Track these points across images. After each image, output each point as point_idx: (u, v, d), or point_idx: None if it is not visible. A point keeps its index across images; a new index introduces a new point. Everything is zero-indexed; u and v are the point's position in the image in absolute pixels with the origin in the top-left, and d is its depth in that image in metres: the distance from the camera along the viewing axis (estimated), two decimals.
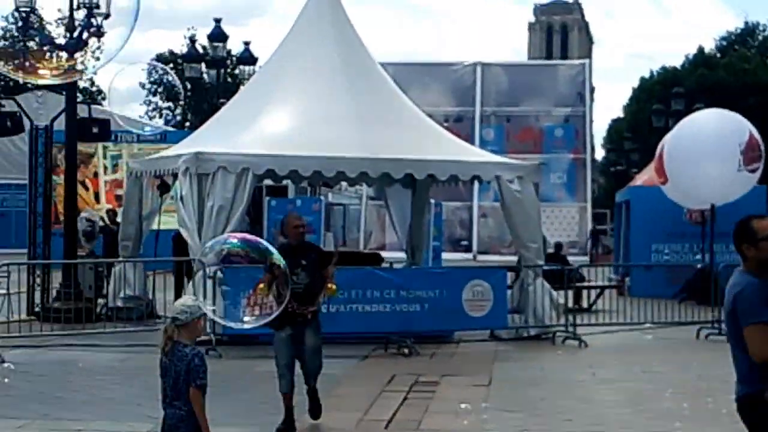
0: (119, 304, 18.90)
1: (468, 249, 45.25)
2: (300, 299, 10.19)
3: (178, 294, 16.41)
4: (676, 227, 26.26)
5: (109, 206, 30.60)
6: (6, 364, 14.44)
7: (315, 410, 10.72)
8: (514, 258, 20.90)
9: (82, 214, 22.82)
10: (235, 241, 7.43)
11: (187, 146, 18.42)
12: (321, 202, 38.16)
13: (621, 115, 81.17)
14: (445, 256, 34.59)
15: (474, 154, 19.43)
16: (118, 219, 23.53)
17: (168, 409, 6.81)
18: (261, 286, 9.30)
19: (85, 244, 22.44)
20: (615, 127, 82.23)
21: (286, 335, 10.38)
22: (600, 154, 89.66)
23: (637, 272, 25.31)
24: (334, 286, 10.73)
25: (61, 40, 17.43)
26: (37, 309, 19.64)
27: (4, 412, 11.25)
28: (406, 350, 15.93)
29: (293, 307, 9.94)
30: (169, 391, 6.80)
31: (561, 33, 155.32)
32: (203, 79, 42.74)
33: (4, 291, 16.69)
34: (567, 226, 45.02)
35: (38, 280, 20.12)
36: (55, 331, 17.25)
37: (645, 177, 29.07)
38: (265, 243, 7.50)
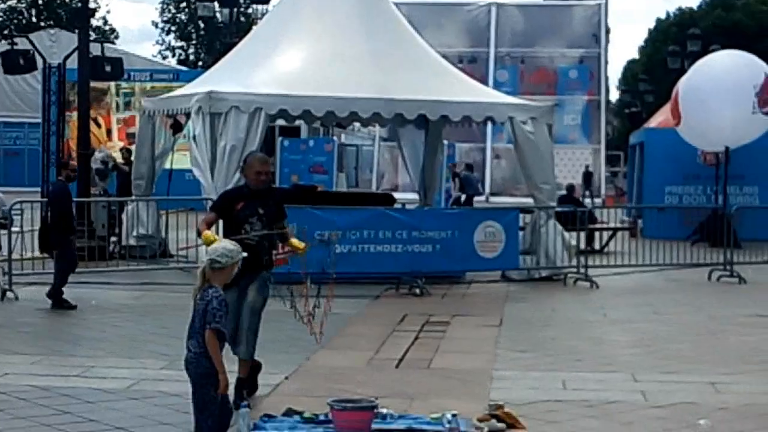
0: (132, 242, 18.97)
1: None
2: (251, 254, 8.38)
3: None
4: (690, 169, 26.17)
5: (121, 144, 30.67)
6: (93, 302, 14.67)
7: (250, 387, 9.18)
8: (527, 200, 20.90)
9: (97, 154, 22.86)
10: None
11: (199, 85, 18.37)
12: (334, 142, 38.12)
13: (636, 56, 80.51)
14: None
15: (487, 95, 19.34)
16: (133, 158, 23.58)
17: (186, 350, 6.73)
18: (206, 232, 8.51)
19: (99, 182, 22.50)
20: (630, 68, 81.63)
21: (233, 298, 8.58)
22: (614, 95, 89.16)
23: (650, 214, 25.26)
24: (301, 244, 9.15)
25: None
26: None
27: (18, 348, 11.34)
28: (417, 290, 15.98)
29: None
30: (191, 334, 6.68)
31: None
32: (216, 18, 42.56)
33: (17, 229, 16.75)
34: (580, 168, 44.89)
35: None
36: None
37: (660, 119, 28.93)
38: None
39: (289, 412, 8.50)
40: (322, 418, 8.23)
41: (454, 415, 7.73)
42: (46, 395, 9.09)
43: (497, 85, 37.18)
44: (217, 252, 6.72)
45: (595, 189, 44.37)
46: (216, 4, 38.20)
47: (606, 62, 48.04)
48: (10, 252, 15.53)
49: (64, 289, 14.12)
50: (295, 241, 9.17)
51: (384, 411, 8.26)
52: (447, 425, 7.76)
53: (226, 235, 8.57)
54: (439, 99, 17.35)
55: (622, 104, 77.86)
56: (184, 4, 75.26)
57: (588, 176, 43.15)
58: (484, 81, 30.89)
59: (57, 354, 11.03)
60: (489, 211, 23.04)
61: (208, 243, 8.04)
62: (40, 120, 22.28)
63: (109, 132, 33.51)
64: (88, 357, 10.86)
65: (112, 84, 31.24)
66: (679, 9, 74.58)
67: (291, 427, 8.11)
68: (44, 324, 12.99)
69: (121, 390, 9.41)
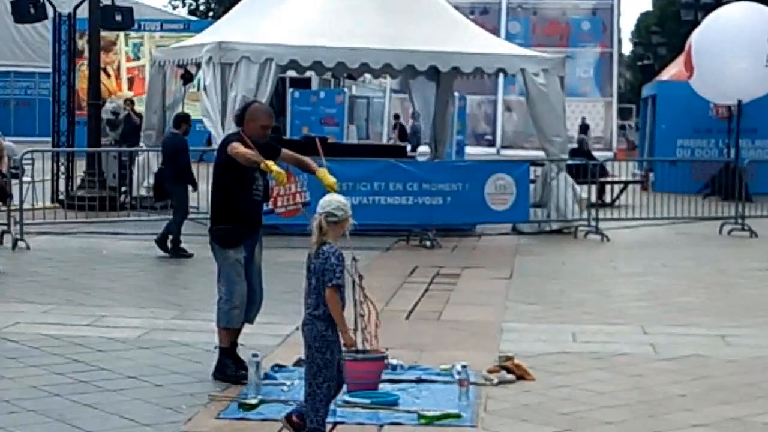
0: (143, 193, 18.99)
1: (491, 143, 45.13)
2: (258, 209, 8.31)
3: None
4: (702, 123, 26.08)
5: (131, 94, 30.63)
6: (104, 252, 14.79)
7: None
8: (538, 153, 20.85)
9: (107, 105, 22.85)
10: None
11: (210, 35, 18.31)
12: (344, 94, 38.06)
13: (649, 8, 79.98)
14: (468, 150, 34.55)
15: (499, 46, 19.24)
16: (136, 108, 23.58)
17: (305, 314, 6.46)
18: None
19: (110, 132, 22.50)
20: (643, 20, 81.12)
21: (242, 257, 8.20)
22: (627, 48, 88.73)
23: (662, 167, 25.20)
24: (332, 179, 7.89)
25: None
26: (61, 197, 19.78)
27: (29, 297, 11.39)
28: (427, 243, 16.00)
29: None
30: (309, 292, 6.44)
31: None
32: None
33: (28, 178, 16.78)
34: (592, 121, 44.75)
35: (62, 169, 20.23)
36: (79, 218, 17.39)
37: (672, 71, 28.77)
38: None
39: (300, 362, 8.53)
40: None
41: (463, 366, 7.75)
42: (58, 344, 9.14)
43: (509, 37, 37.01)
44: (332, 205, 6.44)
45: (606, 142, 44.25)
46: None
47: (619, 14, 47.74)
48: (21, 201, 15.56)
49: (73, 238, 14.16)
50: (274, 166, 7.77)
51: (394, 362, 8.31)
52: (456, 376, 7.80)
53: (234, 190, 8.08)
54: (450, 50, 17.27)
55: (635, 57, 77.51)
56: None
57: (584, 128, 42.51)
58: (495, 32, 30.74)
59: (68, 303, 11.08)
60: (500, 163, 23.02)
61: (279, 178, 7.67)
62: (50, 70, 22.20)
63: (118, 82, 33.46)
64: (99, 306, 10.90)
65: (122, 33, 31.15)
66: None
67: (301, 377, 8.13)
68: (55, 273, 13.04)
69: (132, 339, 9.46)
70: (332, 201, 6.51)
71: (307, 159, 8.30)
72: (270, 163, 7.79)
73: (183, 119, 15.15)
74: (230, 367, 8.13)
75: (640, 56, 70.04)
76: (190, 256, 14.19)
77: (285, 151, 8.33)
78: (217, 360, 8.24)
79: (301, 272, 10.14)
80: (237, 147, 7.94)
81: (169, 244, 14.49)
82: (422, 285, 12.60)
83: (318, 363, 6.35)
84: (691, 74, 23.25)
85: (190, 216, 17.71)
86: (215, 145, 16.33)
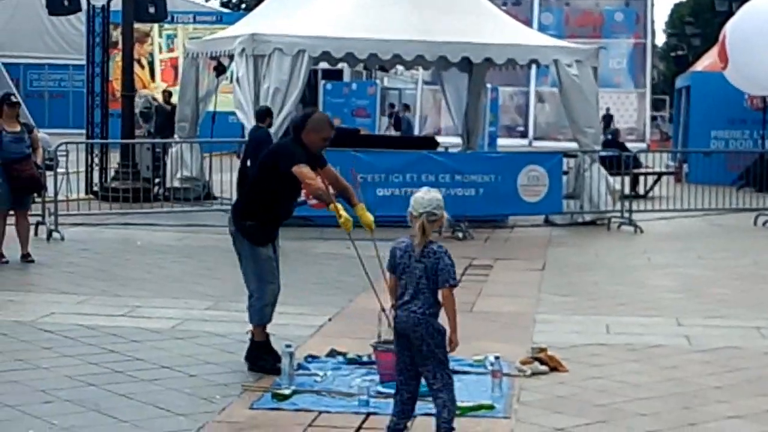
0: (176, 184, 19.07)
1: (524, 134, 44.97)
2: (287, 211, 8.31)
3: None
4: (737, 113, 25.90)
5: (165, 85, 30.73)
6: (138, 243, 14.87)
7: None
8: (571, 144, 20.76)
9: (137, 99, 22.92)
10: None
11: (243, 27, 18.33)
12: (376, 85, 38.02)
13: None
14: (500, 141, 34.47)
15: (532, 37, 19.18)
16: (173, 100, 23.64)
17: (400, 311, 6.30)
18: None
19: (143, 124, 22.58)
20: (677, 11, 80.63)
21: (271, 251, 8.25)
22: (661, 39, 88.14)
23: (695, 159, 25.05)
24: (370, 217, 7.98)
25: None
26: (95, 188, 19.89)
27: (64, 288, 11.47)
28: (460, 234, 15.97)
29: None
30: (410, 291, 6.27)
31: None
32: None
33: (62, 170, 16.88)
34: (625, 112, 44.49)
35: (96, 160, 20.34)
36: (113, 210, 17.48)
37: (706, 62, 28.58)
38: None
39: (332, 353, 8.56)
40: (365, 359, 8.29)
41: (496, 358, 7.75)
42: (93, 334, 9.20)
43: (541, 28, 36.84)
44: (432, 204, 6.32)
45: (639, 133, 43.98)
46: None
47: (652, 5, 47.35)
48: (56, 193, 15.66)
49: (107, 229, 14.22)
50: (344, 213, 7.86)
51: None
52: (490, 367, 7.79)
53: (278, 195, 7.98)
54: (483, 41, 17.23)
55: (669, 48, 77.04)
56: None
57: (608, 119, 41.65)
58: (528, 24, 30.62)
59: (103, 294, 11.15)
60: (533, 154, 22.92)
61: (346, 226, 7.73)
62: (84, 62, 22.30)
63: (152, 74, 33.57)
64: (134, 297, 10.96)
65: (156, 25, 31.25)
66: None
67: (334, 368, 8.17)
68: (90, 264, 13.12)
69: (166, 329, 9.51)
70: (432, 200, 6.35)
71: (350, 188, 8.18)
72: (340, 207, 7.78)
73: (267, 113, 15.43)
74: (268, 362, 8.12)
75: (673, 47, 69.62)
76: None
77: (329, 168, 8.11)
78: (251, 350, 8.25)
79: (333, 263, 10.21)
80: (307, 174, 7.76)
81: None
82: None
83: (440, 357, 6.30)
84: (726, 65, 23.07)
85: (223, 207, 17.80)
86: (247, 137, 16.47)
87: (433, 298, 6.32)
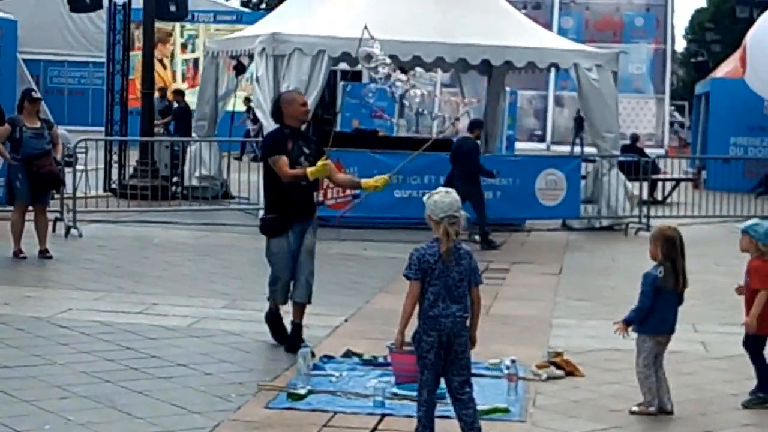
0: (194, 183, 19.10)
1: (542, 139, 44.92)
2: (304, 194, 8.81)
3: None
4: (756, 120, 25.84)
5: (186, 85, 30.79)
6: (155, 240, 14.94)
7: (294, 342, 8.73)
8: (590, 148, 20.73)
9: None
10: None
11: (263, 27, 18.36)
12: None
13: (704, 5, 79.20)
14: (518, 145, 34.42)
15: (552, 41, 19.15)
16: (187, 99, 23.71)
17: (443, 318, 6.15)
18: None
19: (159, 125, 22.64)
20: (697, 17, 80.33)
21: (287, 243, 8.78)
22: (681, 44, 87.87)
23: (714, 165, 25.00)
24: (378, 181, 8.61)
25: None
26: (113, 185, 19.94)
27: (81, 284, 11.50)
28: (477, 237, 15.95)
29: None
30: (445, 295, 6.17)
31: None
32: None
33: (81, 167, 16.92)
34: (644, 118, 44.41)
35: (115, 157, 20.39)
36: (131, 207, 17.52)
37: (726, 69, 28.51)
38: None
39: (348, 354, 8.56)
40: (381, 360, 8.29)
41: (512, 361, 7.74)
42: (110, 331, 9.22)
43: (561, 32, 36.81)
44: (453, 207, 6.23)
45: (658, 139, 43.90)
46: None
47: (673, 10, 47.34)
48: (74, 189, 15.70)
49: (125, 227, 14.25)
50: (370, 181, 8.63)
51: None
52: (505, 371, 7.78)
53: (277, 180, 8.61)
54: (503, 44, 17.21)
55: (689, 54, 76.70)
56: None
57: (580, 121, 40.68)
58: (548, 27, 30.60)
59: (120, 291, 11.17)
60: (551, 158, 22.95)
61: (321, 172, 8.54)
62: (104, 59, 22.37)
63: (174, 74, 33.64)
64: (151, 294, 10.98)
65: (177, 24, 31.34)
66: None
67: (350, 369, 8.18)
68: (107, 261, 13.15)
69: (182, 327, 9.52)
70: (452, 203, 6.25)
71: (347, 177, 9.30)
72: (310, 170, 8.53)
73: (477, 125, 16.20)
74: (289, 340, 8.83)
75: (693, 53, 69.35)
76: (497, 247, 15.27)
77: (329, 163, 8.73)
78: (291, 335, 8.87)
79: (348, 264, 10.20)
80: (283, 167, 8.59)
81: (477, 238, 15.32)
82: None
83: (468, 357, 6.30)
84: (746, 71, 23.02)
85: (241, 206, 17.84)
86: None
87: (468, 300, 6.27)
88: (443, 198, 6.29)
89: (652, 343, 7.51)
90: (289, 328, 8.98)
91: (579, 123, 38.43)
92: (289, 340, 8.79)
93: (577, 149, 37.70)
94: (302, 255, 8.81)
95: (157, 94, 23.60)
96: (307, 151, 8.75)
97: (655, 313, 7.53)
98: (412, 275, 6.22)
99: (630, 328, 7.56)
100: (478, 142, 16.32)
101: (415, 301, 6.26)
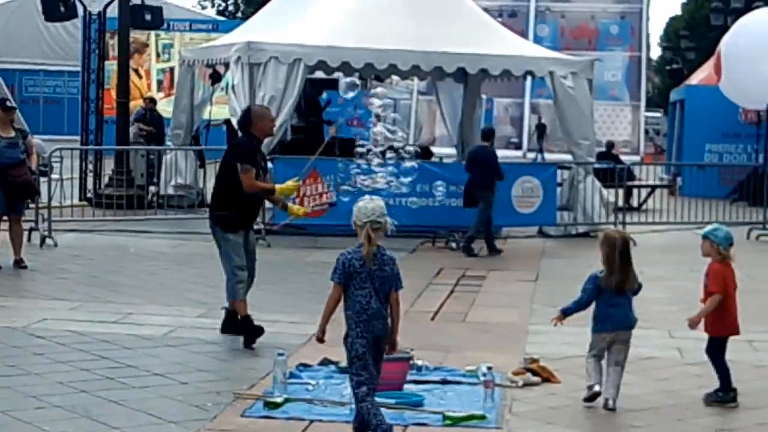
0: (170, 192, 19.05)
1: (518, 146, 44.97)
2: (259, 202, 9.85)
3: None
4: (731, 127, 25.97)
5: (161, 95, 30.68)
6: (131, 249, 14.96)
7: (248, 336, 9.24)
8: (565, 156, 20.78)
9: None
10: None
11: (238, 36, 18.35)
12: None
13: (679, 12, 79.63)
14: None
15: (528, 48, 19.22)
16: (159, 108, 23.59)
17: (375, 321, 6.51)
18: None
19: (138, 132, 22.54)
20: (672, 24, 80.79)
21: (241, 243, 9.41)
22: (656, 52, 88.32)
23: (689, 172, 25.10)
24: (288, 187, 9.69)
25: None
26: (89, 195, 19.87)
27: (56, 294, 11.46)
28: (453, 244, 15.98)
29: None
30: (375, 298, 6.50)
31: None
32: None
33: (56, 176, 16.86)
34: (620, 125, 44.54)
35: (90, 167, 20.32)
36: (107, 216, 17.46)
37: (701, 76, 28.67)
38: None
39: (324, 362, 8.55)
40: None
41: (489, 368, 7.74)
42: (85, 340, 9.19)
43: (537, 40, 36.78)
44: (376, 212, 6.51)
45: (634, 146, 44.01)
46: None
47: (648, 18, 47.39)
48: (49, 199, 15.64)
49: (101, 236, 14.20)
50: (293, 207, 9.92)
51: (419, 363, 8.31)
52: (482, 378, 7.78)
53: (238, 184, 9.11)
54: (478, 52, 17.25)
55: (664, 61, 77.18)
56: None
57: (542, 128, 40.96)
58: (524, 36, 30.67)
59: (95, 300, 11.13)
60: (527, 166, 22.97)
61: (288, 193, 9.60)
62: (80, 69, 22.30)
63: (149, 84, 33.52)
64: (126, 304, 10.95)
65: (152, 34, 31.25)
66: None
67: (326, 377, 8.17)
68: (82, 271, 13.11)
69: (158, 337, 9.50)
70: (375, 209, 6.55)
71: (282, 199, 9.69)
72: (279, 188, 9.48)
73: (491, 134, 16.65)
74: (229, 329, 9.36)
75: (668, 60, 69.74)
76: (499, 252, 15.59)
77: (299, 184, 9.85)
78: (238, 325, 9.26)
79: (325, 272, 10.07)
80: (251, 179, 9.18)
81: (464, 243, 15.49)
82: (448, 286, 12.58)
83: (381, 355, 6.61)
84: (720, 78, 23.15)
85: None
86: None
87: (388, 302, 6.55)
88: (367, 204, 6.58)
89: (596, 338, 7.83)
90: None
91: (541, 130, 38.52)
92: (248, 335, 9.15)
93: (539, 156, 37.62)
94: (249, 254, 9.47)
95: (143, 104, 23.59)
96: (263, 165, 9.49)
97: (597, 311, 7.97)
98: (336, 279, 6.60)
99: (565, 319, 8.01)
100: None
101: (336, 303, 6.66)
